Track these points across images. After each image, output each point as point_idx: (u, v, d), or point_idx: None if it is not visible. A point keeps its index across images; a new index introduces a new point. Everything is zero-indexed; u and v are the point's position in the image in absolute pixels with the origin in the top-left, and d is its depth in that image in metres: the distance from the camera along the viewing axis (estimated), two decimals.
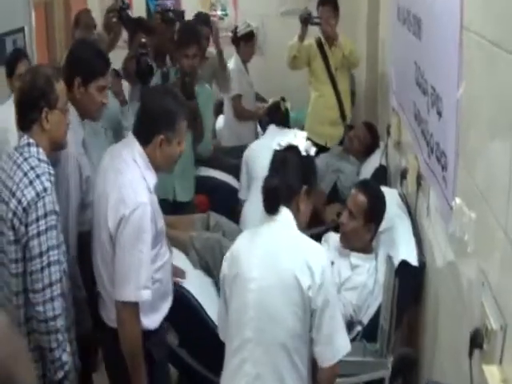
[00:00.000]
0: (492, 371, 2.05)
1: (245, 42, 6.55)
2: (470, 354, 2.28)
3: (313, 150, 2.99)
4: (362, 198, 3.81)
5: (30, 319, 2.99)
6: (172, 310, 3.27)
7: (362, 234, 3.83)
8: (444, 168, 2.99)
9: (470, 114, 2.63)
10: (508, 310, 2.07)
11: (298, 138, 2.96)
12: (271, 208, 2.86)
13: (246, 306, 2.80)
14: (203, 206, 5.44)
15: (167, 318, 3.27)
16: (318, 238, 5.20)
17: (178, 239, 4.04)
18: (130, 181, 3.00)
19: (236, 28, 6.67)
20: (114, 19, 5.18)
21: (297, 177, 2.89)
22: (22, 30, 5.74)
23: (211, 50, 6.09)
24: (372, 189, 3.95)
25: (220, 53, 6.02)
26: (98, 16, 6.29)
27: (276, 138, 3.06)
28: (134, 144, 3.07)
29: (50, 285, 2.91)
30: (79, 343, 3.28)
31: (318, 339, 2.78)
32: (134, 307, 3.01)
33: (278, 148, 2.94)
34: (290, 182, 2.86)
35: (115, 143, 3.42)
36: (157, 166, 3.09)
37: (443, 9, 3.02)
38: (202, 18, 6.07)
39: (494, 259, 2.24)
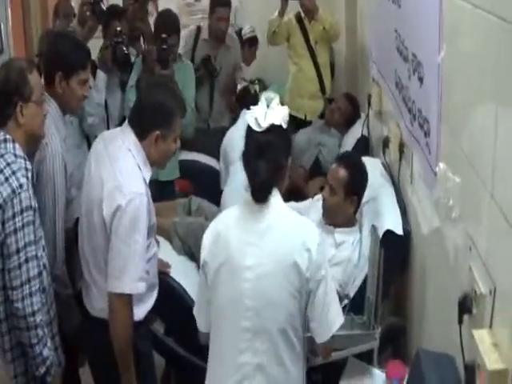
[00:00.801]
0: (482, 335, 2.02)
1: (249, 45, 6.57)
2: (460, 320, 2.25)
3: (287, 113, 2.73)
4: (342, 172, 3.73)
5: (9, 316, 2.93)
6: (157, 299, 3.22)
7: (345, 208, 3.75)
8: (427, 134, 2.96)
9: (452, 78, 2.59)
10: (496, 273, 2.04)
11: (275, 110, 2.65)
12: (264, 198, 2.67)
13: (242, 296, 2.68)
14: (185, 191, 5.39)
15: (152, 308, 3.21)
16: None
17: (161, 227, 3.91)
18: (126, 169, 2.93)
19: (240, 30, 6.68)
20: (88, 12, 5.07)
21: (283, 154, 2.70)
22: None
23: (231, 33, 6.10)
24: (352, 161, 3.86)
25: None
26: (76, 5, 6.17)
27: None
28: (130, 134, 2.99)
29: (29, 281, 2.85)
30: (67, 340, 3.24)
31: (313, 316, 2.74)
32: (127, 299, 2.94)
33: (257, 129, 2.63)
34: (277, 163, 2.66)
35: (80, 130, 3.34)
36: (150, 161, 3.02)
37: None
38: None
39: (480, 223, 2.21)
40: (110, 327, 2.94)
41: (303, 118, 6.28)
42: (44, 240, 3.04)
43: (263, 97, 2.69)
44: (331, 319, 2.76)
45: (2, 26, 5.60)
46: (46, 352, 2.94)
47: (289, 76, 6.50)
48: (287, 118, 2.69)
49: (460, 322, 2.26)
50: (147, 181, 2.98)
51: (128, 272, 2.89)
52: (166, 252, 3.76)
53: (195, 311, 2.92)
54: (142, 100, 3.14)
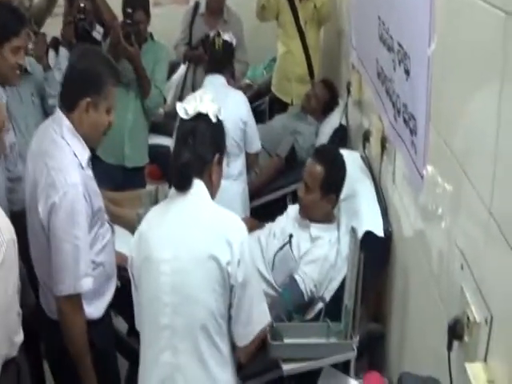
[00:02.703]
0: (476, 370, 1.80)
1: None
2: (449, 346, 2.03)
3: (222, 113, 2.69)
4: (317, 169, 3.50)
5: None
6: (119, 296, 3.06)
7: (322, 206, 3.56)
8: (413, 132, 2.72)
9: (444, 72, 2.35)
10: (493, 300, 1.82)
11: (205, 103, 2.65)
12: (184, 185, 2.60)
13: (160, 291, 2.58)
14: (155, 176, 5.23)
15: (114, 305, 3.08)
16: (274, 204, 5.05)
17: (124, 218, 3.79)
18: (58, 163, 2.76)
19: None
20: None
21: (209, 147, 2.62)
22: None
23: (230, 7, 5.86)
24: (329, 156, 3.63)
25: None
26: None
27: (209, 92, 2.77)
28: (61, 119, 2.82)
29: None
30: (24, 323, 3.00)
31: (237, 319, 2.60)
32: (75, 299, 2.79)
33: (184, 117, 2.63)
34: (201, 153, 2.60)
35: (42, 110, 3.10)
36: (84, 137, 2.84)
37: None
38: None
39: (475, 241, 1.98)
40: (61, 330, 2.81)
41: (290, 102, 6.04)
42: None
43: (197, 93, 2.73)
44: (255, 320, 2.63)
45: None
46: None
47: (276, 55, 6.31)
48: (218, 114, 2.65)
49: (449, 348, 2.04)
50: (85, 164, 2.83)
51: (71, 270, 2.75)
52: (128, 245, 3.51)
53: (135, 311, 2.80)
54: (70, 69, 2.96)
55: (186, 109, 2.63)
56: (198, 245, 2.55)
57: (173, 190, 2.65)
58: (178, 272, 2.56)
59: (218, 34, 4.60)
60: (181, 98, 5.53)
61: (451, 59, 2.27)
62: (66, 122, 2.80)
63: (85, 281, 2.78)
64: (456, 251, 2.14)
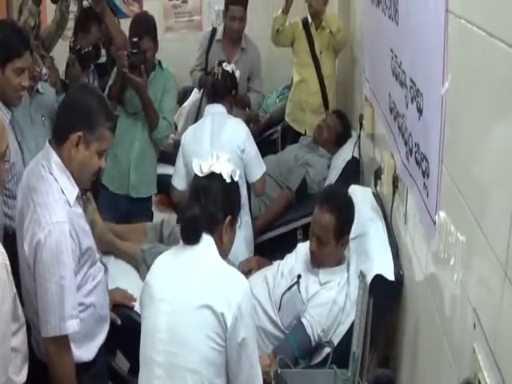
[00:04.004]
0: None
1: None
2: None
3: (237, 174, 2.73)
4: (327, 219, 3.34)
5: None
6: (121, 335, 3.04)
7: (336, 252, 3.43)
8: (425, 174, 2.59)
9: (458, 113, 2.22)
10: (506, 363, 1.68)
11: (221, 163, 2.70)
12: (191, 238, 2.64)
13: (157, 329, 2.60)
14: (164, 204, 5.19)
15: (116, 344, 3.04)
16: (284, 238, 4.91)
17: (127, 253, 3.77)
18: (45, 199, 2.68)
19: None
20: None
21: (220, 207, 2.66)
22: None
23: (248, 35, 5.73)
24: (336, 201, 3.44)
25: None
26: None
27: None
28: (50, 153, 2.74)
29: None
30: None
31: (236, 379, 2.61)
32: (61, 341, 2.69)
33: (199, 174, 2.69)
34: (212, 211, 2.65)
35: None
36: (72, 175, 2.75)
37: None
38: None
39: (487, 298, 1.84)
40: (49, 373, 2.71)
41: (303, 132, 5.90)
42: None
43: (214, 153, 2.76)
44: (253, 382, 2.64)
45: None
46: None
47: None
48: (233, 175, 2.69)
49: None
50: (72, 202, 2.72)
51: (56, 312, 2.65)
52: (133, 281, 3.53)
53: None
54: (64, 101, 2.95)
55: (201, 166, 2.69)
56: (197, 293, 2.56)
57: (182, 241, 2.67)
58: (175, 312, 2.57)
59: (219, 64, 4.48)
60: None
61: (465, 99, 2.14)
62: (54, 157, 2.72)
63: (71, 322, 2.66)
64: (469, 308, 2.00)
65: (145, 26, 4.61)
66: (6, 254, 2.32)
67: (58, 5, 4.84)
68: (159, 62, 4.73)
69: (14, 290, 2.38)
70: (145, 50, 4.48)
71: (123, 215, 4.61)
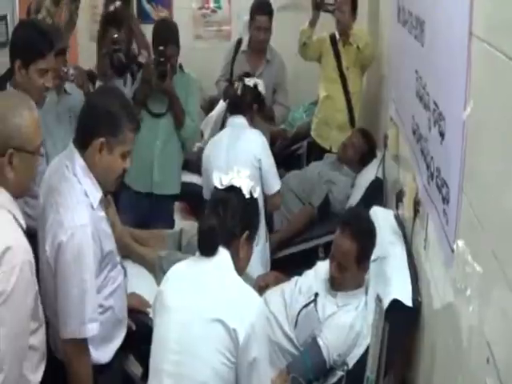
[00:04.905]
0: None
1: None
2: None
3: (257, 191, 2.74)
4: (348, 245, 3.27)
5: None
6: (135, 340, 3.04)
7: (357, 277, 3.37)
8: (445, 200, 2.52)
9: (479, 139, 2.16)
10: None
11: (242, 178, 2.72)
12: (207, 249, 2.64)
13: (168, 338, 2.59)
14: (187, 214, 5.20)
15: (129, 348, 3.03)
16: (304, 254, 4.86)
17: (145, 258, 3.77)
18: (68, 201, 2.67)
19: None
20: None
21: (237, 221, 2.65)
22: (4, 17, 5.38)
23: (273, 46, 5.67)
24: (358, 227, 3.36)
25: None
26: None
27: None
28: (74, 155, 2.73)
29: None
30: None
31: None
32: (80, 343, 2.70)
33: (219, 186, 2.70)
34: (229, 225, 2.64)
35: None
36: (96, 178, 2.74)
37: (449, 10, 2.55)
38: (262, 6, 5.54)
39: (502, 333, 1.78)
40: (67, 374, 2.71)
41: (328, 148, 5.82)
42: None
43: (235, 167, 2.77)
44: None
45: (8, 16, 5.43)
46: None
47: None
48: (253, 191, 2.71)
49: None
50: (96, 205, 2.72)
51: (76, 315, 2.66)
52: (149, 287, 3.49)
53: None
54: (86, 106, 2.89)
55: (221, 179, 2.72)
56: (209, 305, 2.54)
57: (198, 252, 2.68)
58: (187, 323, 2.55)
59: (240, 79, 4.45)
60: None
61: (487, 125, 2.08)
62: (79, 159, 2.72)
63: (90, 326, 2.67)
64: (483, 341, 1.94)
65: (169, 33, 4.64)
66: (31, 253, 2.34)
67: (68, 5, 4.80)
68: (180, 66, 4.75)
69: (37, 288, 2.41)
70: (170, 56, 4.50)
71: (145, 215, 4.61)
